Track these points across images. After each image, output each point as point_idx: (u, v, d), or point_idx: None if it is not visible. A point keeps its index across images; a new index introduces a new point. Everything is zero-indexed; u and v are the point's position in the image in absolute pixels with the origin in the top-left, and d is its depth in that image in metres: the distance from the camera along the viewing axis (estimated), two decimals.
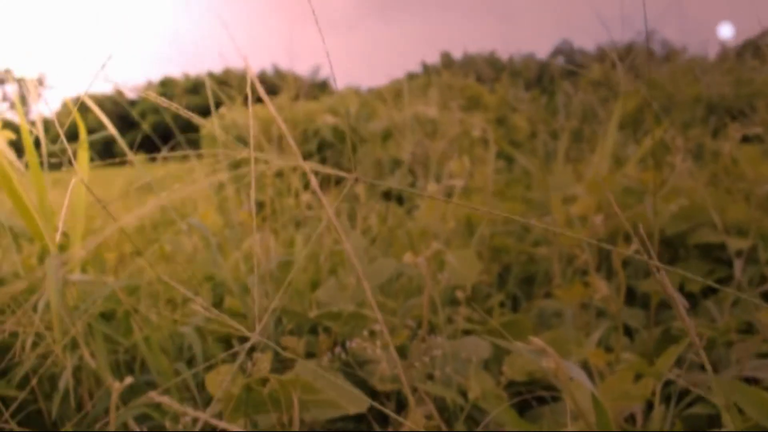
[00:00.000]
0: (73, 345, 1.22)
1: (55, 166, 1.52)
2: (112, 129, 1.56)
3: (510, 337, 1.53)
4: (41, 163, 1.47)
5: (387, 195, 3.04)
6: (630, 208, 1.88)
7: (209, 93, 2.51)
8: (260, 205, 3.21)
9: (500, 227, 1.94)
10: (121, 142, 1.59)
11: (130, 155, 1.61)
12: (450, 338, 1.31)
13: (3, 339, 1.23)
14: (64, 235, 1.47)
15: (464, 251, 1.54)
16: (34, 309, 1.16)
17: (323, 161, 3.16)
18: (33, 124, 1.49)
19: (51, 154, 1.51)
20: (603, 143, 2.19)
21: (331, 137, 3.32)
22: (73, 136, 1.66)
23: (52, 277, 1.06)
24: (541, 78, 6.63)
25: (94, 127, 1.63)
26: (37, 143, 1.43)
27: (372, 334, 1.13)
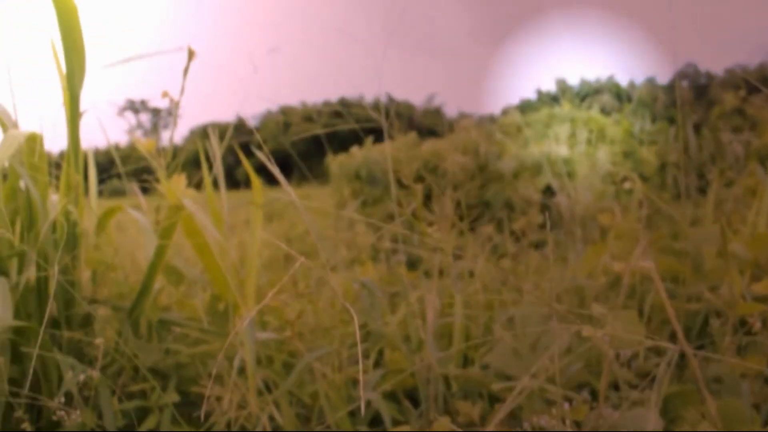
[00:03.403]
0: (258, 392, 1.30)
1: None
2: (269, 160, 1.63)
3: (678, 407, 1.48)
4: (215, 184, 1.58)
5: (517, 234, 3.03)
6: None
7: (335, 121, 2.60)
8: (395, 240, 3.27)
9: (652, 282, 1.89)
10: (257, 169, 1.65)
11: (282, 180, 1.67)
12: (617, 407, 1.30)
13: (195, 391, 1.33)
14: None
15: (627, 313, 1.52)
16: (229, 362, 1.25)
17: (454, 201, 3.21)
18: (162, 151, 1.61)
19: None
20: (762, 193, 2.09)
21: (461, 176, 3.36)
22: (198, 161, 1.77)
23: (248, 340, 1.14)
24: (667, 106, 6.40)
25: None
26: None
27: (548, 402, 1.14)
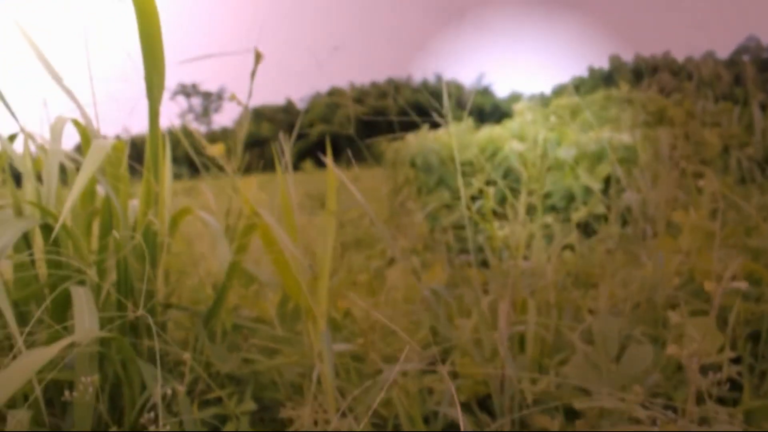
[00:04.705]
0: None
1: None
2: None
3: (760, 420, 1.44)
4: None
5: (578, 225, 2.97)
6: None
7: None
8: (457, 228, 3.24)
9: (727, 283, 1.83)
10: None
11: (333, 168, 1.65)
12: (700, 421, 1.27)
13: (271, 397, 1.35)
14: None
15: (704, 320, 1.48)
16: (305, 370, 1.26)
17: (510, 189, 3.17)
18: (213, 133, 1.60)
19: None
20: None
21: (518, 163, 3.31)
22: (250, 144, 1.77)
23: (327, 354, 1.15)
24: (731, 84, 6.16)
25: (267, 136, 1.73)
26: None
27: (629, 418, 1.11)
